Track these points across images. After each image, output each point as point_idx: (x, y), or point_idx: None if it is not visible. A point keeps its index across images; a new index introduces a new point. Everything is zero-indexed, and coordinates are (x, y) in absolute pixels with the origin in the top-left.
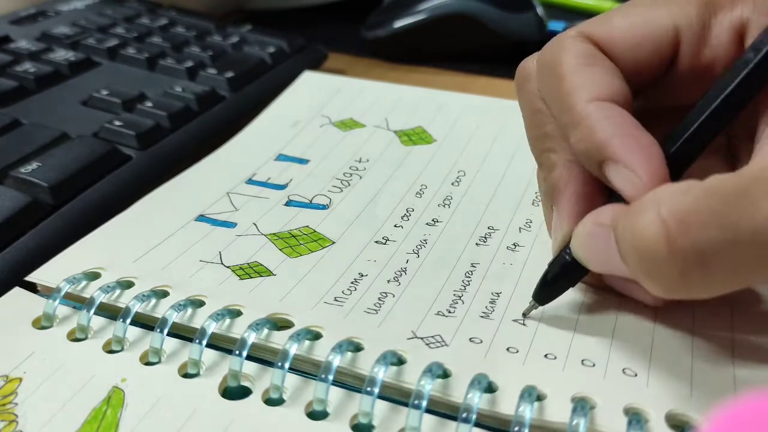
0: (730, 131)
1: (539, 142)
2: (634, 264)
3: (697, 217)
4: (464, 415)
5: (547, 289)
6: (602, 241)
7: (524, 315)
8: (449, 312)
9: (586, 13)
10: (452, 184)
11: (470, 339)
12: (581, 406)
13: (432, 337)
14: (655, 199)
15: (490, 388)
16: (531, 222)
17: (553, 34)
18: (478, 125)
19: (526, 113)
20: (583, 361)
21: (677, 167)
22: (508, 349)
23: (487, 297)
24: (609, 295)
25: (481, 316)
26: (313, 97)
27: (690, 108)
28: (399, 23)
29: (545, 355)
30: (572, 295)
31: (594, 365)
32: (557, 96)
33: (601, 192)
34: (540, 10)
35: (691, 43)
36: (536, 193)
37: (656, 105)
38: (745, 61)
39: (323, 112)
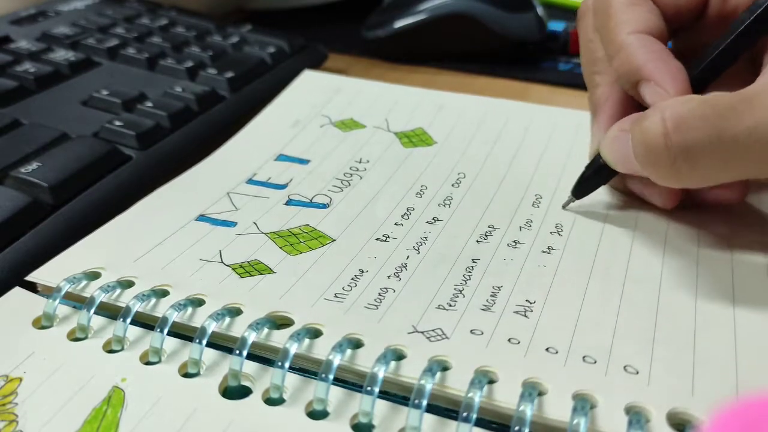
0: (756, 58)
1: (590, 65)
2: (640, 155)
3: (690, 121)
4: (465, 414)
5: (583, 186)
6: (623, 144)
7: (563, 207)
8: (450, 305)
9: None
10: (452, 185)
11: (471, 331)
12: (582, 405)
13: (432, 330)
14: (662, 106)
15: (491, 381)
16: (531, 222)
17: (553, 34)
18: (478, 127)
19: (582, 41)
20: (584, 357)
21: (698, 87)
22: (509, 340)
23: (488, 291)
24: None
25: (482, 309)
26: (314, 97)
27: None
28: (399, 23)
29: (546, 349)
30: (574, 287)
31: (595, 362)
32: (606, 28)
33: (633, 109)
34: (540, 10)
35: None
36: (536, 195)
37: (688, 45)
38: (751, 9)
39: (323, 112)
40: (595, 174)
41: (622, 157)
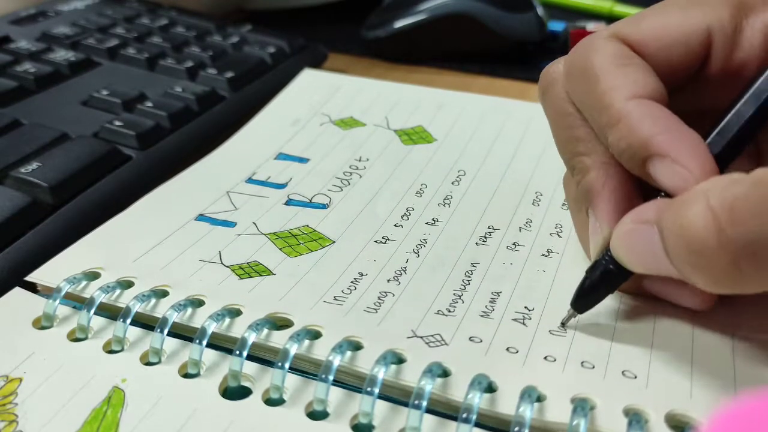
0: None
1: (570, 145)
2: (682, 258)
3: (748, 207)
4: (464, 415)
5: (585, 297)
6: (645, 239)
7: (562, 324)
8: (449, 311)
9: (586, 13)
10: (452, 183)
11: (470, 338)
12: (581, 406)
13: (432, 336)
14: (703, 189)
15: (490, 388)
16: (531, 221)
17: (553, 34)
18: (478, 124)
19: (554, 117)
20: (582, 363)
21: (720, 165)
22: (507, 349)
23: (487, 296)
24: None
25: (481, 316)
26: (313, 95)
27: (723, 109)
28: (399, 23)
29: (545, 357)
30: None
31: (593, 367)
32: (592, 97)
33: (638, 194)
34: (540, 10)
35: (723, 46)
36: (536, 192)
37: (684, 108)
38: None
39: (323, 110)
40: (601, 280)
41: (644, 257)
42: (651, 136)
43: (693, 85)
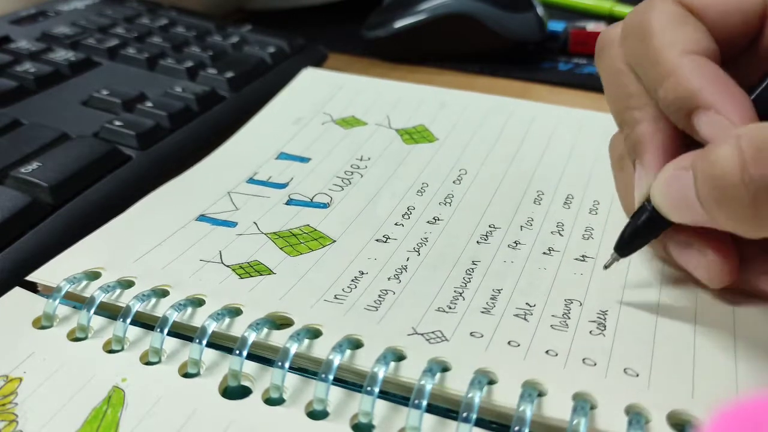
0: None
1: (622, 101)
2: (708, 194)
3: None
4: (465, 414)
5: (628, 241)
6: (681, 185)
7: (606, 267)
8: (450, 308)
9: (586, 13)
10: (454, 182)
11: (471, 333)
12: (582, 405)
13: (432, 332)
14: (737, 133)
15: (491, 381)
16: (532, 220)
17: (554, 34)
18: (480, 123)
19: (607, 75)
20: (584, 359)
21: (763, 119)
22: (509, 342)
23: (488, 293)
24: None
25: (482, 311)
26: (315, 94)
27: None
28: (399, 23)
29: (546, 352)
30: (573, 290)
31: (595, 364)
32: (647, 52)
33: (684, 148)
34: (540, 10)
35: None
36: (538, 191)
37: (738, 78)
38: None
39: (325, 109)
40: (645, 226)
41: (680, 202)
42: (698, 88)
43: (746, 58)
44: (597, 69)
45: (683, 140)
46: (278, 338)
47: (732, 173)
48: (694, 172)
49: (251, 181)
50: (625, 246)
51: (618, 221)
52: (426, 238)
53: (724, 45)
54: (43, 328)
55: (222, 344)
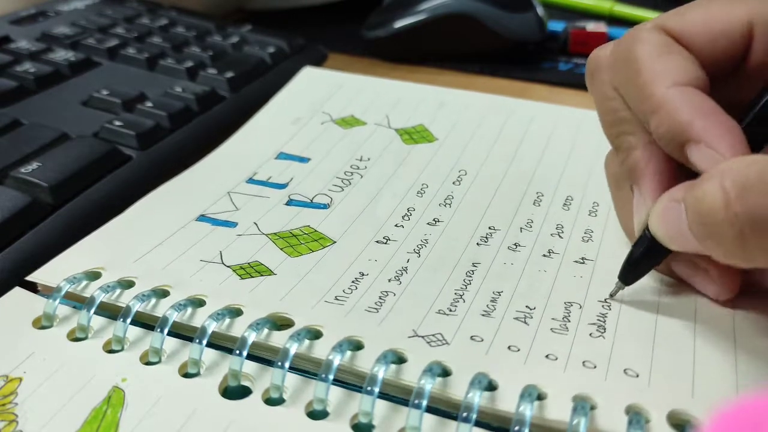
0: None
1: (615, 127)
2: (697, 229)
3: (757, 186)
4: (465, 414)
5: (632, 269)
6: (675, 216)
7: (611, 296)
8: (450, 310)
9: (586, 13)
10: (453, 183)
11: (471, 337)
12: (582, 405)
13: (433, 335)
14: (720, 169)
15: (491, 386)
16: (532, 222)
17: (554, 34)
18: (479, 123)
19: (599, 101)
20: (584, 362)
21: (755, 148)
22: (509, 347)
23: (488, 296)
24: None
25: (482, 315)
26: (314, 94)
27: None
28: (399, 23)
29: (546, 356)
30: (573, 293)
31: (595, 367)
32: (635, 87)
33: (679, 173)
34: (540, 10)
35: (763, 39)
36: (538, 192)
37: (724, 101)
38: None
39: (324, 109)
40: (646, 254)
41: (675, 233)
42: (688, 122)
43: (733, 79)
44: (589, 91)
45: (678, 165)
46: (278, 339)
47: (717, 210)
48: (685, 206)
49: (251, 181)
50: (629, 274)
51: (617, 224)
52: (426, 240)
53: (712, 69)
54: (43, 328)
55: (222, 344)
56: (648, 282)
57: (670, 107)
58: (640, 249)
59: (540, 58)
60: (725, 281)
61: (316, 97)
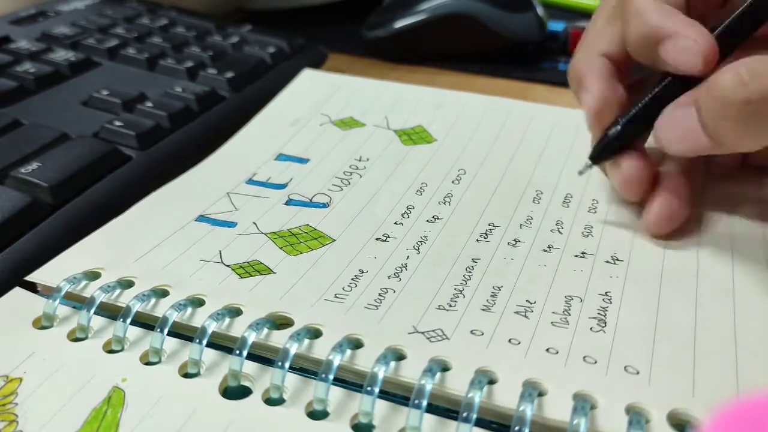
0: None
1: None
2: (712, 114)
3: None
4: (465, 414)
5: (602, 150)
6: (683, 116)
7: (580, 173)
8: (450, 306)
9: (586, 13)
10: (452, 182)
11: (471, 331)
12: (582, 405)
13: (433, 331)
14: (734, 64)
15: (491, 381)
16: (531, 219)
17: (554, 34)
18: (478, 124)
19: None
20: (584, 357)
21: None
22: (509, 340)
23: (488, 291)
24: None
25: (483, 309)
26: (313, 96)
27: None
28: (399, 23)
29: (547, 349)
30: (574, 287)
31: (596, 362)
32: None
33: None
34: (540, 10)
35: None
36: (537, 190)
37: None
38: None
39: (323, 110)
40: (617, 137)
41: (683, 133)
42: (662, 21)
43: (715, 16)
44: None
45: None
46: (278, 338)
47: (734, 91)
48: (698, 103)
49: (250, 182)
50: (600, 153)
51: (618, 220)
52: (426, 237)
53: (701, 4)
54: (43, 328)
55: (222, 344)
56: (649, 277)
57: (643, 14)
58: (612, 131)
59: (540, 58)
60: (661, 217)
61: (315, 99)
